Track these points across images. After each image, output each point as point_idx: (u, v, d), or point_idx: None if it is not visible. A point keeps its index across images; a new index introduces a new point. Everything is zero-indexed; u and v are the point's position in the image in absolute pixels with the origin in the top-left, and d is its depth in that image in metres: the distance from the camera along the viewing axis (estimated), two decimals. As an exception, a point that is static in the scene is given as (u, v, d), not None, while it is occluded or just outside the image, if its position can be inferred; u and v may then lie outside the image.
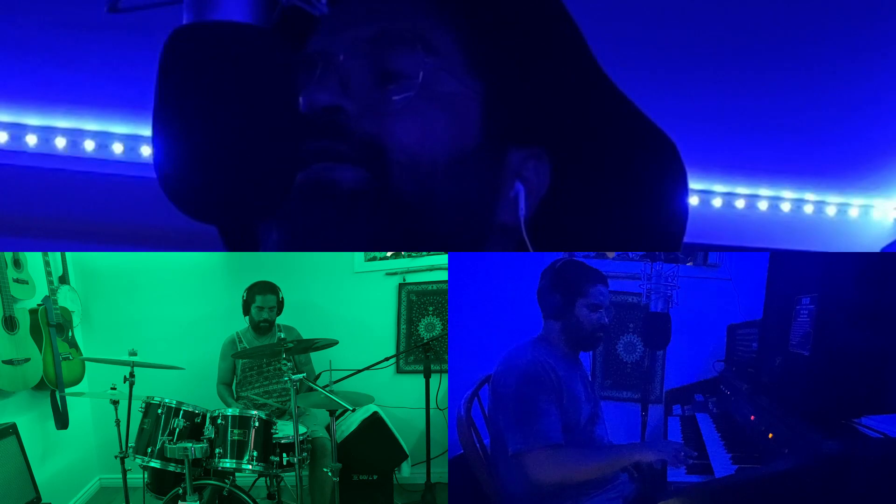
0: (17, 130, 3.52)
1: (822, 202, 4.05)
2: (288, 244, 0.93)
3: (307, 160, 0.90)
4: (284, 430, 2.60)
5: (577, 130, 1.01)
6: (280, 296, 3.18)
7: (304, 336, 3.16)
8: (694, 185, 3.95)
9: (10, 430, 2.62)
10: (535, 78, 1.00)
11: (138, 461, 2.50)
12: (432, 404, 3.01)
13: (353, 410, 2.86)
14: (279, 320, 3.21)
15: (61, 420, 3.07)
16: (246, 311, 3.18)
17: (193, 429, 2.51)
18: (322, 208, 0.91)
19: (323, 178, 0.91)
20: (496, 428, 1.74)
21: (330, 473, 2.51)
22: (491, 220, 0.98)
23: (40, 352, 2.96)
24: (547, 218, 1.02)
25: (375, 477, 3.07)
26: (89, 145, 3.54)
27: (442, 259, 3.28)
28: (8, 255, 2.92)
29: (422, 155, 0.93)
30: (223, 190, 0.74)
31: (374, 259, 3.50)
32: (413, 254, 3.38)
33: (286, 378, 2.54)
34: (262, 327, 3.16)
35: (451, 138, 0.95)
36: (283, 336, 2.77)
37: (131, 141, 3.64)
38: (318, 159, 0.91)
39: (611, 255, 2.98)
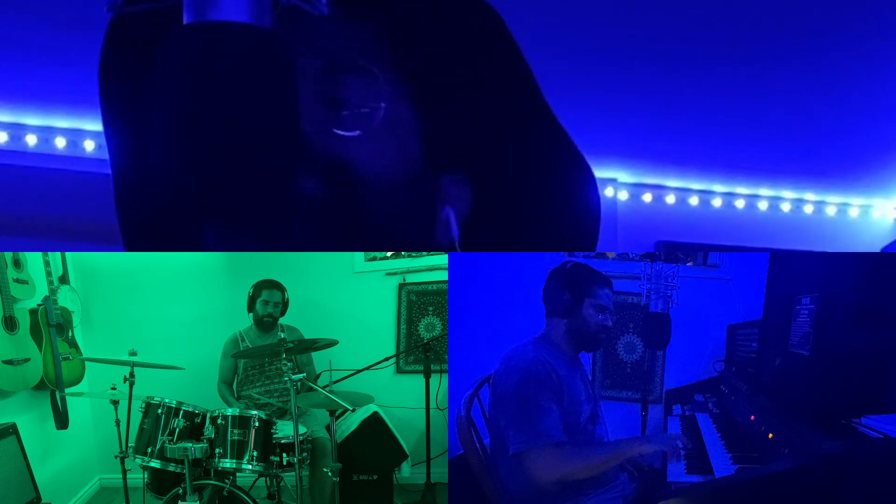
0: (17, 130, 3.51)
1: (822, 202, 4.05)
2: (230, 244, 0.94)
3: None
4: (284, 430, 2.60)
5: (501, 157, 1.04)
6: (286, 296, 3.19)
7: (306, 336, 3.16)
8: (694, 185, 3.95)
9: (10, 430, 2.62)
10: (468, 112, 1.03)
11: (138, 461, 2.50)
12: (432, 404, 3.01)
13: (353, 410, 2.86)
14: (282, 321, 3.21)
15: (61, 420, 3.07)
16: (250, 307, 3.19)
17: (193, 429, 2.51)
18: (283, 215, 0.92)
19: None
20: (496, 428, 1.74)
21: (330, 473, 2.51)
22: (429, 243, 1.02)
23: (40, 352, 2.95)
24: (471, 222, 1.06)
25: (375, 477, 3.07)
26: (89, 145, 3.54)
27: (442, 259, 3.28)
28: (8, 255, 2.92)
29: (377, 175, 0.95)
30: (219, 189, 0.74)
31: (374, 259, 3.50)
32: (413, 253, 3.38)
33: (286, 378, 2.54)
34: (265, 322, 3.16)
35: (400, 162, 0.98)
36: (283, 336, 2.77)
37: (131, 141, 3.63)
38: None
39: (611, 255, 2.98)
